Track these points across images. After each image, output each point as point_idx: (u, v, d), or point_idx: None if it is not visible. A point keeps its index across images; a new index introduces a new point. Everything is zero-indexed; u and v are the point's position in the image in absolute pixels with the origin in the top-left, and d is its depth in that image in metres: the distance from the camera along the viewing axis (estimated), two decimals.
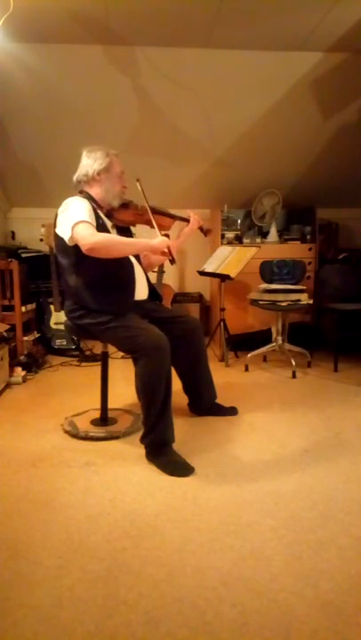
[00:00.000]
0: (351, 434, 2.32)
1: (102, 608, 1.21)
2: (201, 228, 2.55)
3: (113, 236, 2.11)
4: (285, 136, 3.93)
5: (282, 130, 3.87)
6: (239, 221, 4.38)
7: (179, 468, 1.93)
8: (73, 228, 2.01)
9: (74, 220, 2.02)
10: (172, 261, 2.16)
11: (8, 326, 3.40)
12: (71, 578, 1.32)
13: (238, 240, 4.17)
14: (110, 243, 2.04)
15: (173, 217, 2.44)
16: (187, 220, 2.49)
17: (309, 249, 4.17)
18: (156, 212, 2.35)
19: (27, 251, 4.31)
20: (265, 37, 3.06)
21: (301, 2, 2.66)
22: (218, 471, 1.94)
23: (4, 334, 3.26)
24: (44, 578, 1.32)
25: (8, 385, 3.11)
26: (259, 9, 2.74)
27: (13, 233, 4.64)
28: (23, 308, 3.66)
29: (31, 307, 3.90)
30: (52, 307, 4.06)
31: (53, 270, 3.97)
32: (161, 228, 2.38)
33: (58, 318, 3.99)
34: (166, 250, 2.11)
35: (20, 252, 4.24)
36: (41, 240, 3.97)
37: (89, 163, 2.21)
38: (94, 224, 2.08)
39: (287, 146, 4.03)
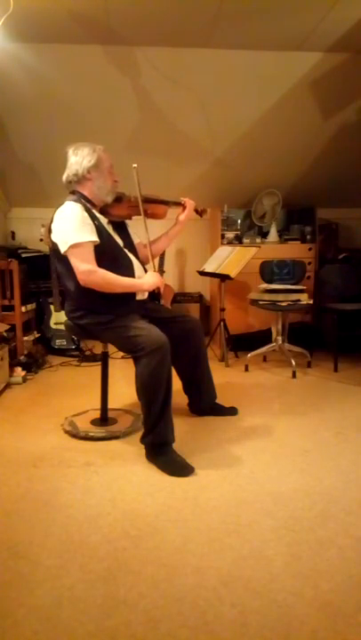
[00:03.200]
0: (351, 434, 2.32)
1: (102, 608, 1.21)
2: (196, 210, 2.54)
3: (106, 277, 2.06)
4: (285, 136, 3.93)
5: (282, 130, 3.87)
6: (239, 221, 4.37)
7: (179, 467, 1.93)
8: (69, 249, 2.04)
9: (70, 241, 2.03)
10: (158, 295, 2.27)
11: (8, 326, 3.40)
12: (71, 578, 1.32)
13: (238, 240, 4.17)
14: (103, 284, 2.07)
15: (167, 203, 2.42)
16: (181, 205, 2.48)
17: (309, 249, 4.17)
18: (148, 200, 2.33)
19: (27, 251, 4.31)
20: (265, 37, 3.06)
21: (301, 2, 2.66)
22: (218, 471, 1.94)
23: (4, 334, 3.26)
24: (44, 578, 1.33)
25: (8, 385, 3.11)
26: (259, 9, 2.74)
27: (13, 233, 4.63)
28: (23, 308, 3.65)
29: (31, 307, 3.90)
30: (52, 307, 4.06)
31: (53, 270, 3.97)
32: (156, 217, 2.37)
33: (58, 318, 3.99)
34: (156, 290, 2.23)
35: (20, 252, 4.23)
36: (41, 240, 3.97)
37: (77, 160, 2.18)
38: (93, 232, 2.07)
39: (287, 146, 4.03)
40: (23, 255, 4.21)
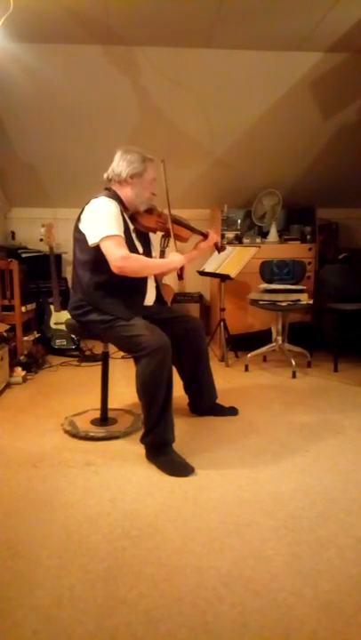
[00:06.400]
0: (351, 434, 2.32)
1: (102, 608, 1.21)
2: (216, 246, 2.59)
3: (141, 260, 2.16)
4: (285, 136, 3.93)
5: (282, 130, 3.87)
6: (239, 221, 4.38)
7: (179, 467, 1.93)
8: (103, 240, 2.05)
9: (105, 232, 2.05)
10: (180, 277, 2.30)
11: (8, 326, 3.40)
12: (71, 578, 1.32)
13: (238, 240, 4.17)
14: (138, 267, 2.13)
15: (192, 230, 2.47)
16: (204, 235, 2.51)
17: (309, 249, 4.17)
18: (176, 222, 2.38)
19: (27, 251, 4.31)
20: (265, 37, 3.06)
21: (301, 2, 2.66)
22: (218, 471, 1.94)
23: (4, 334, 3.26)
24: (44, 578, 1.33)
25: (8, 385, 3.11)
26: (259, 9, 2.74)
27: (13, 233, 4.63)
28: (23, 308, 3.65)
29: (31, 307, 3.90)
30: (52, 307, 4.06)
31: (53, 270, 3.97)
32: (179, 239, 2.42)
33: (58, 318, 3.99)
34: (178, 270, 2.27)
35: (20, 252, 4.24)
36: (41, 240, 3.97)
37: (123, 164, 2.21)
38: (122, 231, 2.11)
39: (287, 146, 4.03)
40: (23, 255, 4.21)
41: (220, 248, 2.62)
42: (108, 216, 2.09)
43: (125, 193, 2.24)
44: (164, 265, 2.27)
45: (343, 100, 3.65)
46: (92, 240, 2.08)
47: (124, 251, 2.07)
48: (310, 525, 1.56)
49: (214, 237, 2.53)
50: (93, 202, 2.15)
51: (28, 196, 4.48)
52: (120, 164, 2.22)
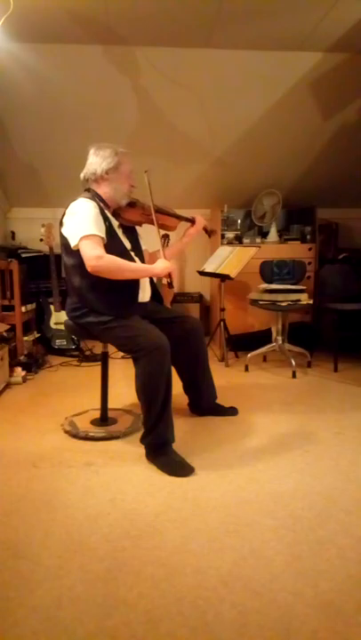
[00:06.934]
0: (351, 434, 2.32)
1: (102, 608, 1.21)
2: (205, 230, 2.56)
3: (116, 261, 2.07)
4: (285, 136, 3.93)
5: (282, 130, 3.87)
6: (239, 221, 4.38)
7: (179, 467, 1.93)
8: (80, 240, 2.03)
9: (81, 233, 2.03)
10: (170, 285, 2.20)
11: (8, 326, 3.40)
12: (71, 578, 1.32)
13: (238, 240, 4.17)
14: (113, 268, 2.05)
15: (179, 217, 2.45)
16: (191, 221, 2.50)
17: (309, 249, 4.17)
18: (161, 212, 2.36)
19: (27, 251, 4.31)
20: (265, 37, 3.06)
21: (301, 2, 2.66)
22: (218, 471, 1.94)
23: (4, 334, 3.26)
24: (44, 578, 1.33)
25: (8, 385, 3.11)
26: (259, 9, 2.74)
27: (13, 233, 4.63)
28: (23, 308, 3.66)
29: (31, 307, 3.90)
30: (52, 307, 4.06)
31: (53, 270, 3.97)
32: (166, 228, 2.40)
33: (58, 318, 3.99)
34: (167, 277, 2.17)
35: (20, 252, 4.23)
36: (41, 240, 3.97)
37: (97, 161, 2.19)
38: (102, 231, 2.09)
39: (287, 146, 4.03)
40: (23, 255, 4.21)
41: (209, 232, 2.61)
42: (86, 217, 2.07)
43: (104, 190, 2.21)
44: (145, 270, 2.20)
45: (343, 100, 3.65)
46: (73, 243, 2.07)
47: (100, 251, 2.03)
48: (310, 525, 1.56)
49: (202, 221, 2.50)
50: (72, 205, 2.13)
51: (28, 196, 4.48)
52: (94, 162, 2.19)
